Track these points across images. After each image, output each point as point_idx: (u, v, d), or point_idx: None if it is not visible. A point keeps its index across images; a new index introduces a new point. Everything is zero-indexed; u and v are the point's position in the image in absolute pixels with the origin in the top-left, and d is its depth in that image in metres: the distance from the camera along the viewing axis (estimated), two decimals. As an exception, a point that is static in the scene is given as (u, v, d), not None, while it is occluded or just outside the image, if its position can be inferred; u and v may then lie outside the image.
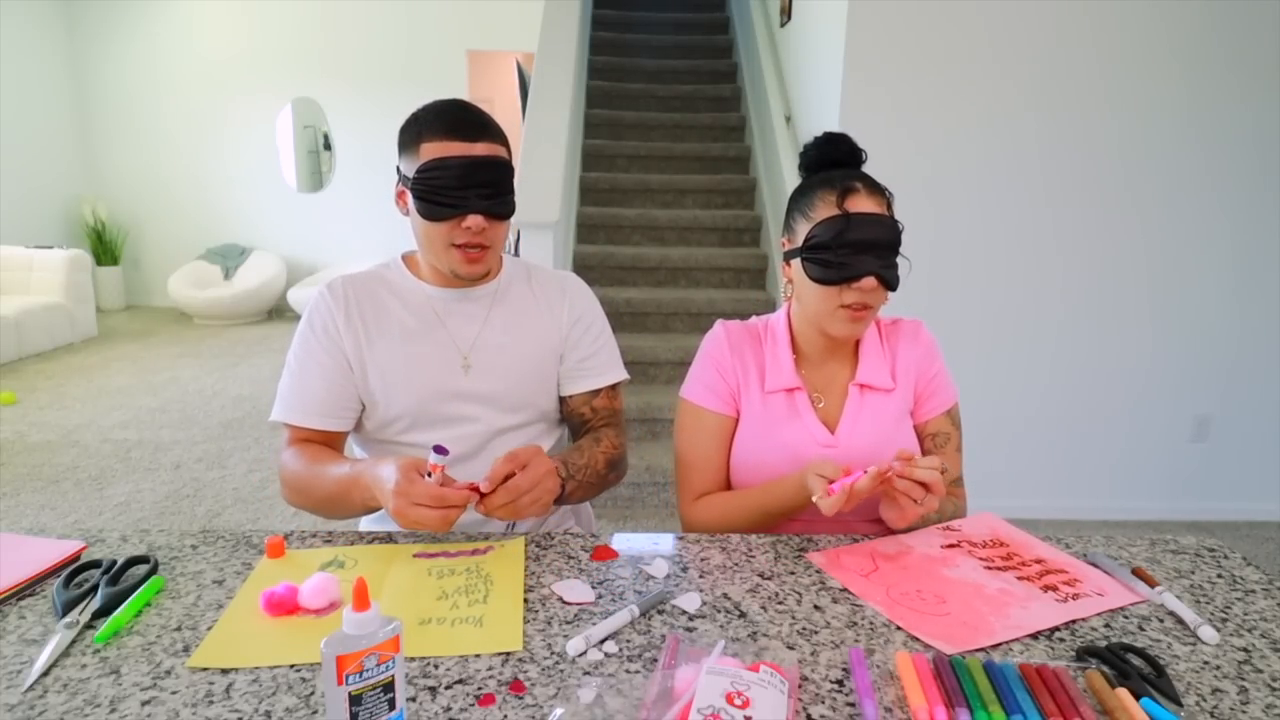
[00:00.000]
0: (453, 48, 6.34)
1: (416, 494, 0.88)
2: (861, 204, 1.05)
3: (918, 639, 0.79)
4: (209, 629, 0.79)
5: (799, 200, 1.12)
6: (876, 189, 1.08)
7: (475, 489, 0.91)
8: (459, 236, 1.09)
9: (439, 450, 0.92)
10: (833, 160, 1.13)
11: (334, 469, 1.04)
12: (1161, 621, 0.84)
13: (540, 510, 0.97)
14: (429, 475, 0.91)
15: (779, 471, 1.10)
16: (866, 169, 1.14)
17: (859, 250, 1.03)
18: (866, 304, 1.06)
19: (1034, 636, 0.80)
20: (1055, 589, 0.89)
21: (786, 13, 3.71)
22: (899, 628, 0.81)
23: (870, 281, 1.03)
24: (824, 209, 1.06)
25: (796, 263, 1.10)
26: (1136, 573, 0.93)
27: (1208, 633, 0.81)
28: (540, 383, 1.22)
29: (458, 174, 1.05)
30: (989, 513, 1.10)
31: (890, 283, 1.05)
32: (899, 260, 1.07)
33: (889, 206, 1.08)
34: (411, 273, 1.21)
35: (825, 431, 1.14)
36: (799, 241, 1.09)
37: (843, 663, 0.75)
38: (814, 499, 0.94)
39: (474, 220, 1.07)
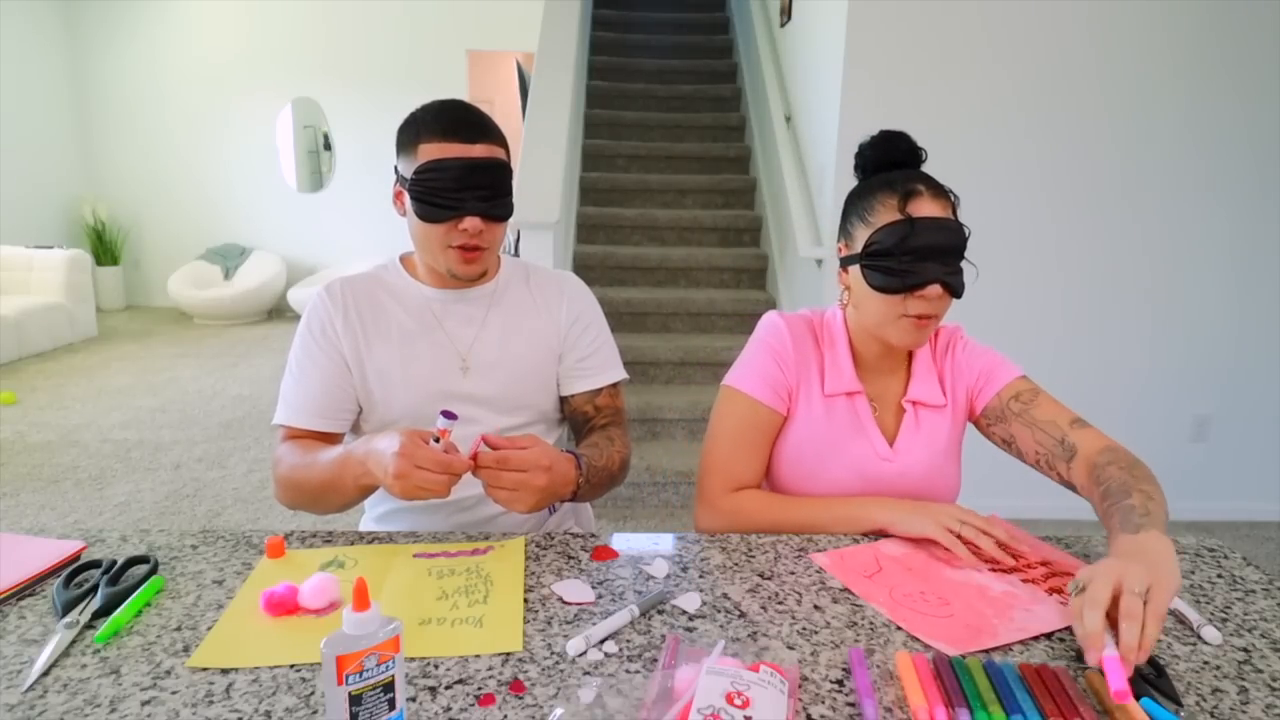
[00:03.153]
0: (453, 48, 6.34)
1: (420, 457, 0.87)
2: (925, 207, 0.99)
3: (919, 640, 0.79)
4: (209, 629, 0.79)
5: (856, 204, 1.06)
6: (941, 191, 1.02)
7: (474, 458, 0.92)
8: (456, 238, 1.09)
9: (447, 415, 0.91)
10: (891, 161, 1.07)
11: (325, 454, 1.03)
12: (1161, 621, 0.84)
13: (521, 501, 0.93)
14: (435, 441, 0.90)
15: (838, 481, 1.07)
16: None
17: (923, 257, 0.98)
18: (931, 313, 1.01)
19: (1034, 637, 0.80)
20: (1060, 592, 0.89)
21: (786, 13, 3.71)
22: (899, 628, 0.81)
23: (935, 289, 0.98)
24: (885, 213, 1.01)
25: (855, 270, 1.05)
26: None
27: (1210, 633, 0.81)
28: (539, 383, 1.22)
29: (455, 176, 1.05)
30: (994, 514, 1.10)
31: (956, 290, 1.00)
32: (964, 265, 1.02)
33: (954, 209, 1.03)
34: (409, 274, 1.20)
35: (885, 443, 1.10)
36: (858, 248, 1.04)
37: (843, 663, 0.75)
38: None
39: (471, 222, 1.07)
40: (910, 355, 1.14)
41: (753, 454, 1.12)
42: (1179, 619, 0.84)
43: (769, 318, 1.15)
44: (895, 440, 1.11)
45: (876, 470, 1.09)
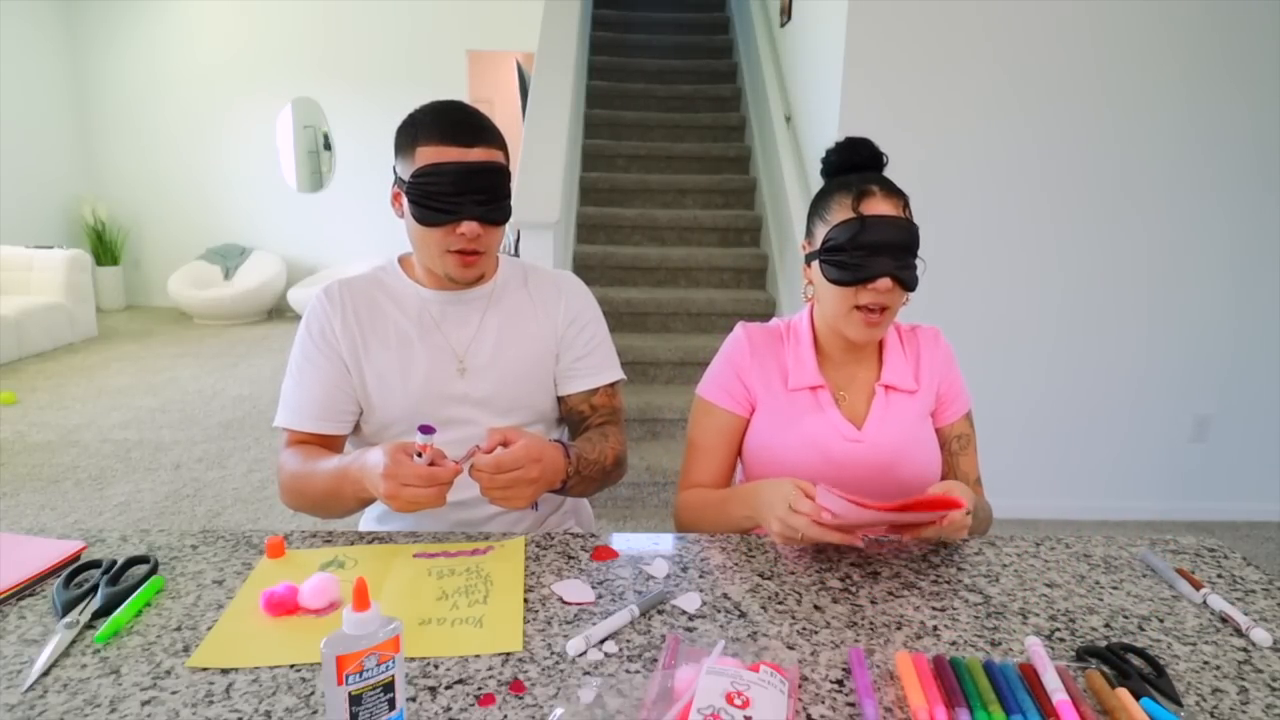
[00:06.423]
0: (453, 48, 6.34)
1: (405, 475, 0.88)
2: (877, 207, 1.07)
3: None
4: (209, 629, 0.79)
5: (817, 204, 1.14)
6: (893, 192, 1.09)
7: (472, 453, 0.92)
8: (454, 242, 1.09)
9: (425, 430, 0.91)
10: (853, 165, 1.14)
11: (326, 465, 1.04)
12: (1161, 621, 0.84)
13: (518, 498, 0.94)
14: (418, 455, 0.90)
15: (800, 462, 1.11)
16: None
17: (874, 252, 1.05)
18: (883, 305, 1.07)
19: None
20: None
21: (786, 13, 3.71)
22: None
23: (885, 283, 1.05)
24: (840, 212, 1.08)
25: (815, 265, 1.13)
26: (1181, 572, 0.93)
27: (1260, 635, 0.80)
28: (537, 384, 1.22)
29: (453, 180, 1.05)
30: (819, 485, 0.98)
31: (907, 283, 1.07)
32: (917, 261, 1.09)
33: (906, 208, 1.10)
34: (407, 275, 1.20)
35: (850, 426, 1.14)
36: (817, 244, 1.12)
37: (843, 663, 0.75)
38: (788, 507, 0.90)
39: (469, 227, 1.07)
40: (881, 345, 1.20)
41: (712, 455, 1.20)
42: (1224, 619, 0.84)
43: (734, 330, 1.23)
44: (865, 423, 1.15)
45: (843, 451, 1.13)
